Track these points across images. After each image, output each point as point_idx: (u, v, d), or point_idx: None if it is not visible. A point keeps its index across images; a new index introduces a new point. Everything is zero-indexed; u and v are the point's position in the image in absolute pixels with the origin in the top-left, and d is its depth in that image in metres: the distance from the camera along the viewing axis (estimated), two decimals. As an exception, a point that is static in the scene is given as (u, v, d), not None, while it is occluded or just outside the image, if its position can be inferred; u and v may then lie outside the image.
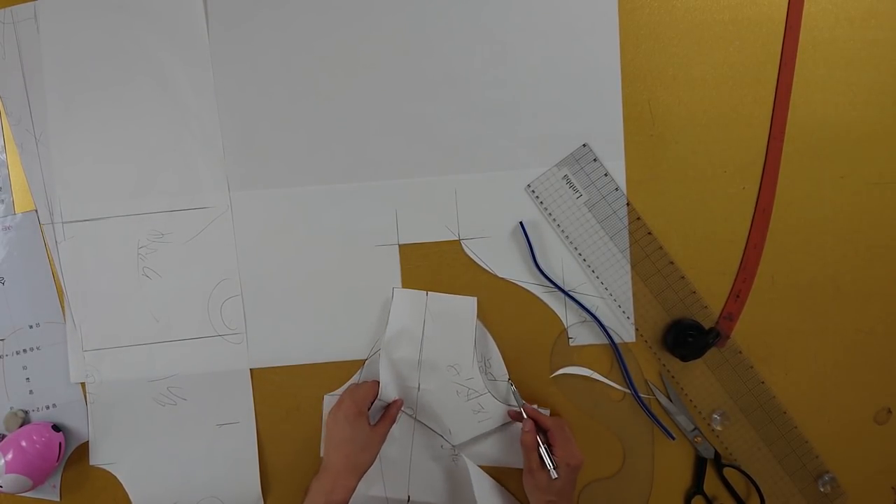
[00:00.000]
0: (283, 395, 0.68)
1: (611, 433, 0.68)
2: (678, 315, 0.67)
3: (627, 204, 0.66)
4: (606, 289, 0.67)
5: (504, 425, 0.67)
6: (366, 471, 0.60)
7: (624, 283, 0.66)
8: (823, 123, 0.65)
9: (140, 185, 0.67)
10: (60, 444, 0.66)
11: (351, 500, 0.59)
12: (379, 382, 0.65)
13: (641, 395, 0.67)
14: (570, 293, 0.66)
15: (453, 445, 0.67)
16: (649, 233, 0.66)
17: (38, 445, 0.64)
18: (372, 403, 0.64)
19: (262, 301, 0.68)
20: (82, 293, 0.68)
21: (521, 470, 0.62)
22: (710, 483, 0.67)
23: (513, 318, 0.67)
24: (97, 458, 0.69)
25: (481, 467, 0.66)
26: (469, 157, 0.66)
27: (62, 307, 0.68)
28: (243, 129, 0.67)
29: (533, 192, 0.66)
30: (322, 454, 0.68)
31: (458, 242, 0.67)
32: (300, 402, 0.68)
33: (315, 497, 0.58)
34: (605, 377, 0.67)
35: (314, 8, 0.66)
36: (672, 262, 0.66)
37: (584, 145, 0.66)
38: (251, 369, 0.68)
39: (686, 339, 0.64)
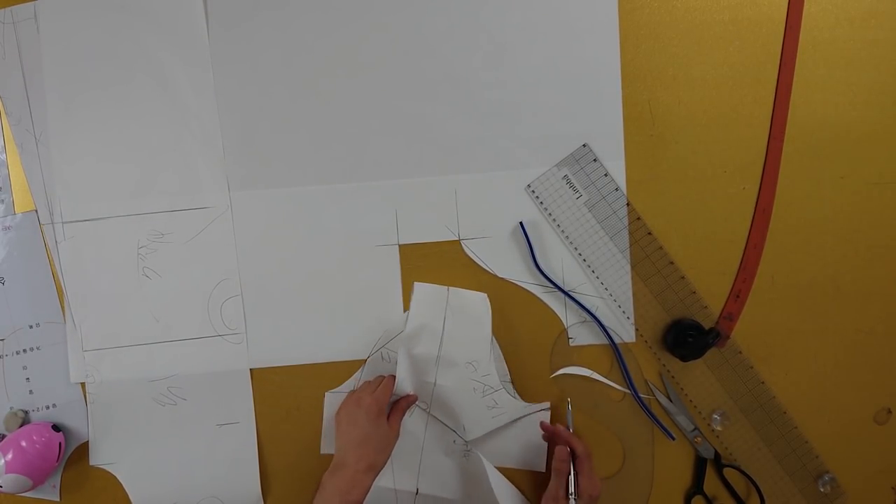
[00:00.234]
0: (283, 395, 0.68)
1: (611, 433, 0.68)
2: (678, 315, 0.67)
3: (627, 204, 0.66)
4: (606, 289, 0.67)
5: (515, 422, 0.66)
6: (381, 470, 0.60)
7: (624, 283, 0.66)
8: (823, 123, 0.65)
9: (140, 185, 0.67)
10: (60, 444, 0.66)
11: None
12: (395, 378, 0.64)
13: (641, 395, 0.67)
14: (570, 293, 0.66)
15: (466, 441, 0.67)
16: (649, 233, 0.66)
17: (38, 445, 0.64)
18: (388, 400, 0.63)
19: (262, 301, 0.68)
20: (82, 293, 0.68)
21: (528, 471, 0.62)
22: (710, 483, 0.67)
23: (513, 318, 0.67)
24: (97, 458, 0.69)
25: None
26: (469, 157, 0.66)
27: (62, 307, 0.68)
28: (243, 129, 0.67)
29: (533, 192, 0.66)
30: (333, 451, 0.67)
31: (458, 242, 0.67)
32: (300, 402, 0.68)
33: (330, 496, 0.57)
34: (605, 377, 0.67)
35: (314, 8, 0.66)
36: (672, 262, 0.66)
37: (584, 145, 0.66)
38: (251, 369, 0.68)
39: (686, 339, 0.64)
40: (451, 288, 0.66)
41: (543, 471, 0.67)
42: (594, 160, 0.66)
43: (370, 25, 0.66)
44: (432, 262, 0.67)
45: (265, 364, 0.68)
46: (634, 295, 0.67)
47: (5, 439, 0.65)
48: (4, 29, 0.67)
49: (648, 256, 0.66)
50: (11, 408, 0.69)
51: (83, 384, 0.68)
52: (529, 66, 0.66)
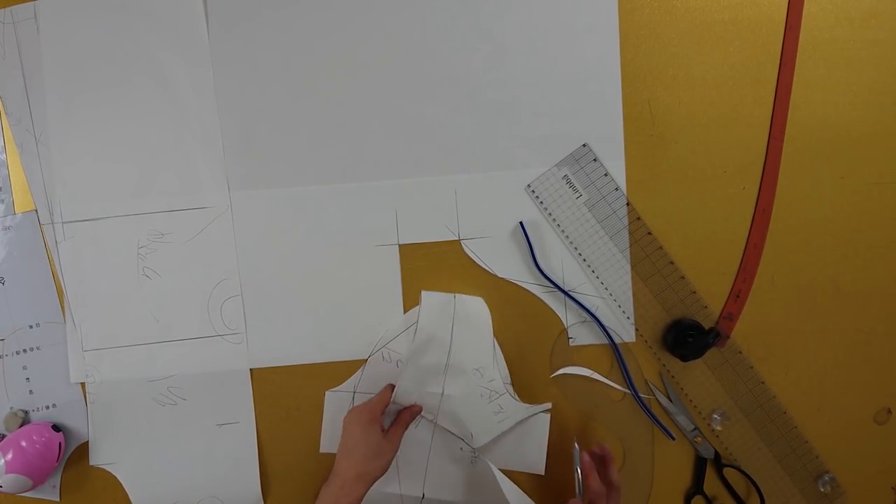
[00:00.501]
0: (283, 395, 0.68)
1: (611, 433, 0.68)
2: (678, 315, 0.67)
3: (627, 204, 0.66)
4: (606, 289, 0.67)
5: (519, 425, 0.66)
6: (376, 479, 0.59)
7: (624, 283, 0.66)
8: (823, 123, 0.65)
9: (140, 185, 0.67)
10: (60, 444, 0.66)
11: (365, 497, 0.58)
12: (393, 387, 0.64)
13: (641, 395, 0.67)
14: (570, 293, 0.66)
15: (474, 448, 0.66)
16: (649, 233, 0.66)
17: (38, 445, 0.64)
18: (385, 408, 0.63)
19: (262, 301, 0.68)
20: (82, 293, 0.68)
21: (532, 475, 0.62)
22: (710, 483, 0.68)
23: (513, 318, 0.67)
24: (97, 458, 0.69)
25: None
26: (469, 157, 0.66)
27: (62, 307, 0.68)
28: (243, 129, 0.67)
29: (533, 192, 0.66)
30: (333, 450, 0.68)
31: (458, 242, 0.67)
32: (300, 402, 0.68)
33: None
34: (605, 377, 0.67)
35: (314, 8, 0.66)
36: (672, 262, 0.66)
37: (584, 145, 0.66)
38: (251, 369, 0.68)
39: (686, 339, 0.64)
40: (457, 295, 0.66)
41: (542, 473, 0.67)
42: (594, 160, 0.66)
43: (370, 25, 0.66)
44: (432, 262, 0.67)
45: (265, 364, 0.68)
46: (634, 295, 0.67)
47: (5, 439, 0.65)
48: (4, 29, 0.67)
49: (648, 256, 0.66)
50: (11, 408, 0.69)
51: (83, 384, 0.68)
52: (529, 66, 0.66)
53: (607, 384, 0.67)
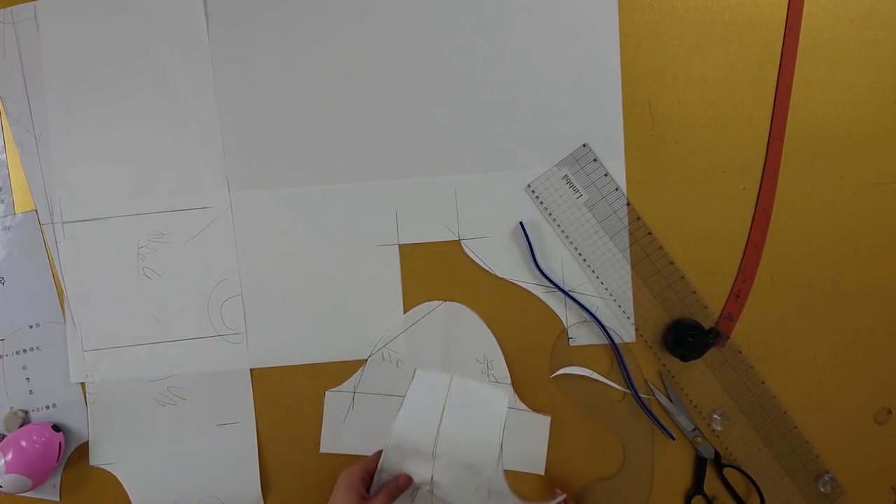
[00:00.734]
0: (283, 395, 0.68)
1: (611, 433, 0.68)
2: (678, 315, 0.67)
3: (627, 204, 0.66)
4: (606, 289, 0.67)
5: (519, 425, 0.65)
6: None
7: (624, 283, 0.66)
8: (823, 123, 0.65)
9: (140, 185, 0.67)
10: (60, 444, 0.66)
11: None
12: (381, 452, 0.58)
13: (641, 395, 0.67)
14: (570, 293, 0.66)
15: None
16: (649, 233, 0.66)
17: (38, 445, 0.64)
18: (368, 474, 0.58)
19: (262, 301, 0.68)
20: (82, 293, 0.68)
21: (532, 475, 0.61)
22: (710, 483, 0.67)
23: (513, 318, 0.67)
24: (97, 458, 0.69)
25: None
26: (469, 157, 0.66)
27: (62, 307, 0.68)
28: (243, 129, 0.67)
29: (533, 192, 0.66)
30: (333, 450, 0.68)
31: (458, 242, 0.67)
32: (300, 402, 0.68)
33: None
34: (605, 377, 0.67)
35: (314, 8, 0.66)
36: (672, 262, 0.66)
37: (584, 145, 0.66)
38: (251, 369, 0.68)
39: (686, 339, 0.64)
40: (455, 377, 0.60)
41: (542, 473, 0.67)
42: (594, 160, 0.66)
43: (370, 25, 0.66)
44: (432, 262, 0.67)
45: (265, 364, 0.68)
46: (634, 295, 0.67)
47: (5, 439, 0.65)
48: (4, 29, 0.67)
49: (648, 256, 0.66)
50: (11, 408, 0.69)
51: (83, 384, 0.68)
52: (529, 66, 0.66)
53: (607, 384, 0.67)
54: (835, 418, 0.67)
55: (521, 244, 0.66)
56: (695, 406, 0.67)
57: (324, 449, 0.68)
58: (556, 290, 0.66)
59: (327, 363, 0.68)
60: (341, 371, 0.68)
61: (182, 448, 0.69)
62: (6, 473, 0.62)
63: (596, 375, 0.67)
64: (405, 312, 0.67)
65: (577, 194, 0.66)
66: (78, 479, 0.69)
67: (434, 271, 0.67)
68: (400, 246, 0.67)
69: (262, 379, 0.68)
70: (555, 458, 0.67)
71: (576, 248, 0.66)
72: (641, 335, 0.67)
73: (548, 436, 0.67)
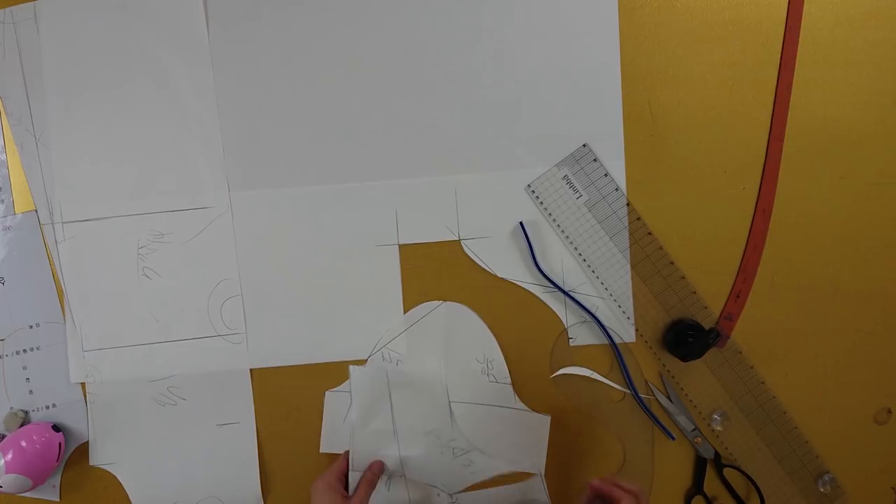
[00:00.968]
0: (283, 395, 0.68)
1: (611, 433, 0.68)
2: (678, 315, 0.67)
3: (627, 204, 0.66)
4: (606, 289, 0.67)
5: (519, 425, 0.66)
6: None
7: (624, 283, 0.66)
8: (823, 123, 0.65)
9: (140, 185, 0.67)
10: (60, 444, 0.66)
11: None
12: (348, 453, 0.65)
13: (641, 396, 0.67)
14: (570, 293, 0.66)
15: (450, 494, 0.66)
16: (649, 233, 0.66)
17: (38, 445, 0.64)
18: (342, 474, 0.63)
19: (262, 301, 0.68)
20: (82, 293, 0.68)
21: (532, 475, 0.61)
22: (710, 483, 0.67)
23: (513, 318, 0.67)
24: (97, 458, 0.69)
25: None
26: (469, 157, 0.66)
27: (62, 307, 0.68)
28: (243, 129, 0.67)
29: (533, 192, 0.66)
30: (333, 451, 0.68)
31: (458, 242, 0.67)
32: (300, 402, 0.68)
33: None
34: (605, 377, 0.67)
35: (314, 8, 0.66)
36: (672, 263, 0.66)
37: (584, 145, 0.66)
38: (251, 369, 0.68)
39: (686, 339, 0.64)
40: (389, 365, 0.66)
41: (542, 473, 0.67)
42: (594, 160, 0.66)
43: (370, 25, 0.66)
44: (432, 261, 0.67)
45: (265, 364, 0.68)
46: (634, 295, 0.67)
47: (5, 439, 0.65)
48: (4, 29, 0.67)
49: (648, 256, 0.66)
50: (11, 408, 0.69)
51: (83, 384, 0.68)
52: (529, 66, 0.66)
53: (607, 384, 0.67)
54: (835, 418, 0.67)
55: (521, 244, 0.66)
56: (695, 406, 0.67)
57: (324, 449, 0.68)
58: (556, 290, 0.66)
59: (327, 363, 0.68)
60: (341, 371, 0.68)
61: (182, 448, 0.69)
62: (6, 473, 0.63)
63: (596, 375, 0.67)
64: (405, 312, 0.67)
65: (577, 194, 0.66)
66: (78, 479, 0.69)
67: (434, 271, 0.67)
68: (400, 246, 0.67)
69: (262, 379, 0.68)
70: (555, 458, 0.67)
71: (576, 248, 0.66)
72: (641, 335, 0.67)
73: (548, 436, 0.67)
